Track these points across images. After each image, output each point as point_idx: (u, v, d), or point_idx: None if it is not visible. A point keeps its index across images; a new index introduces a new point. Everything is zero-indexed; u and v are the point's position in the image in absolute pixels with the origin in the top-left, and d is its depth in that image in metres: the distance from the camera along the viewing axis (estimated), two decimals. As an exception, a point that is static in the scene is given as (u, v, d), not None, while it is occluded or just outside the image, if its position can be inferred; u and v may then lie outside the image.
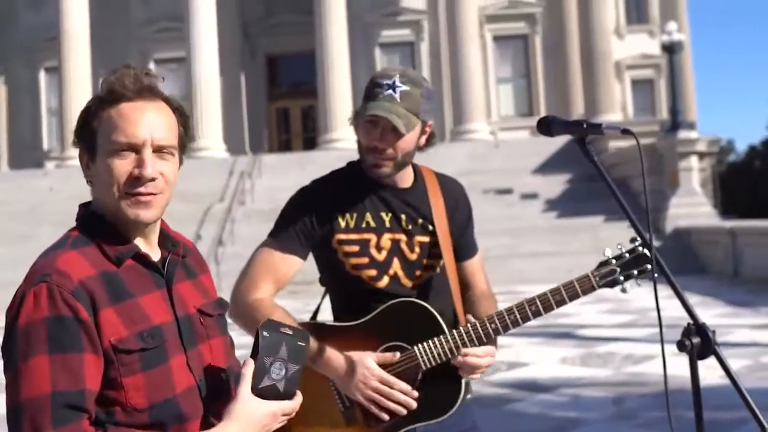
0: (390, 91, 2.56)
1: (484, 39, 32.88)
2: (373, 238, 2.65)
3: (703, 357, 1.95)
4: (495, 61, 33.51)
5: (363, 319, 2.58)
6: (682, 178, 23.39)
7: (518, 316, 2.53)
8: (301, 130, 35.43)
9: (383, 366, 2.51)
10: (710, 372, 1.96)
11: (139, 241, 1.83)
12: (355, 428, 2.56)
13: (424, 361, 2.52)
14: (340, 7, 29.03)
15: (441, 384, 2.54)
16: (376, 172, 2.61)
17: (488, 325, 2.52)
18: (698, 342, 1.95)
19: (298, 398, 1.86)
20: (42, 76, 34.44)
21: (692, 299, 10.67)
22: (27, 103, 34.65)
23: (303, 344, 1.87)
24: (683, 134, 23.86)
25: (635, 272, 2.58)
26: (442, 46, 32.29)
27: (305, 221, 2.67)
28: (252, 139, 33.15)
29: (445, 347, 2.51)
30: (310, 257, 2.75)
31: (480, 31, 31.74)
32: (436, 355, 2.51)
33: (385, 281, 2.63)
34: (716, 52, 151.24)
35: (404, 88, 2.56)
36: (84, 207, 1.88)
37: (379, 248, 2.64)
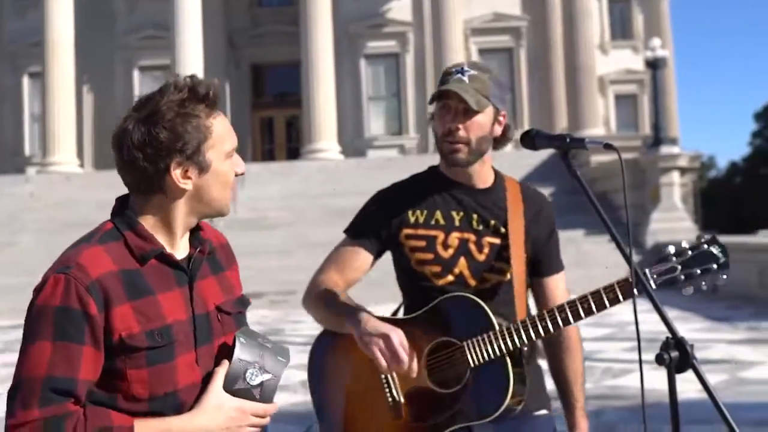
0: (459, 75, 2.59)
1: (469, 52, 32.95)
2: (440, 235, 2.65)
3: (681, 371, 1.97)
4: (479, 74, 33.58)
5: (418, 313, 2.57)
6: (664, 193, 23.52)
7: (569, 314, 2.47)
8: (285, 140, 35.37)
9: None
10: (688, 386, 1.97)
11: (168, 240, 1.93)
12: (403, 423, 2.55)
13: (472, 357, 2.47)
14: (325, 18, 29.05)
15: (489, 383, 2.49)
16: (452, 158, 2.62)
17: (539, 322, 2.47)
18: (677, 356, 1.97)
19: (273, 405, 1.92)
20: (26, 81, 34.25)
21: (671, 314, 10.68)
22: (9, 108, 34.46)
23: (282, 359, 1.92)
24: (665, 149, 24.00)
25: (698, 271, 2.40)
26: (427, 58, 32.34)
27: (377, 216, 2.74)
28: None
29: (494, 344, 2.47)
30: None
31: (465, 44, 31.80)
32: (484, 352, 2.47)
33: (449, 279, 2.62)
34: (699, 69, 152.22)
35: (472, 72, 2.59)
36: (120, 201, 1.96)
37: (446, 246, 2.64)
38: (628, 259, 2.13)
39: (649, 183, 23.87)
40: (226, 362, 1.89)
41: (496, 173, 2.73)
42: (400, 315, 2.71)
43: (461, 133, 2.57)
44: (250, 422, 1.89)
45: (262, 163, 29.71)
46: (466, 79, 2.57)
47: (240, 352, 1.88)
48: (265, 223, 22.65)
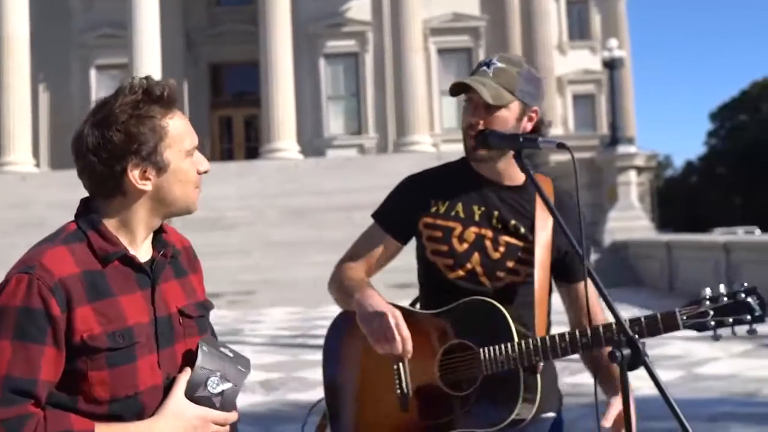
0: (484, 68, 2.55)
1: (428, 51, 33.02)
2: (458, 227, 2.60)
3: (633, 368, 1.99)
4: (439, 74, 33.67)
5: (439, 310, 2.53)
6: (621, 192, 23.77)
7: (590, 339, 2.37)
8: (243, 139, 35.21)
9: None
10: (646, 382, 1.99)
11: (131, 242, 1.93)
12: (409, 416, 2.53)
13: (486, 365, 2.42)
14: (284, 18, 28.94)
15: (497, 393, 2.45)
16: (472, 154, 2.58)
17: (558, 342, 2.39)
18: (628, 353, 1.99)
19: (234, 414, 1.93)
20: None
21: (629, 312, 10.82)
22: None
23: (243, 370, 1.93)
24: (622, 149, 24.26)
25: (730, 320, 2.27)
26: (386, 57, 32.36)
27: (402, 202, 2.71)
28: (194, 147, 32.88)
29: (510, 356, 2.41)
30: None
31: (424, 44, 31.86)
32: (499, 362, 2.41)
33: (459, 273, 2.58)
34: (656, 69, 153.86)
35: (499, 65, 2.54)
36: (84, 203, 1.96)
37: (461, 239, 2.60)
38: (581, 257, 2.15)
39: (606, 182, 24.13)
40: (188, 369, 1.90)
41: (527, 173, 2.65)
42: (417, 308, 2.69)
43: (480, 128, 2.53)
44: (211, 430, 1.90)
45: (220, 163, 29.54)
46: (490, 72, 2.52)
47: (202, 361, 1.89)
48: (223, 223, 22.54)
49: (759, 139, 58.67)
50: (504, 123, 2.50)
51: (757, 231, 33.53)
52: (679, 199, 61.68)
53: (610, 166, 24.21)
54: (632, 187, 24.07)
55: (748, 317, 2.25)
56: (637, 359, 1.98)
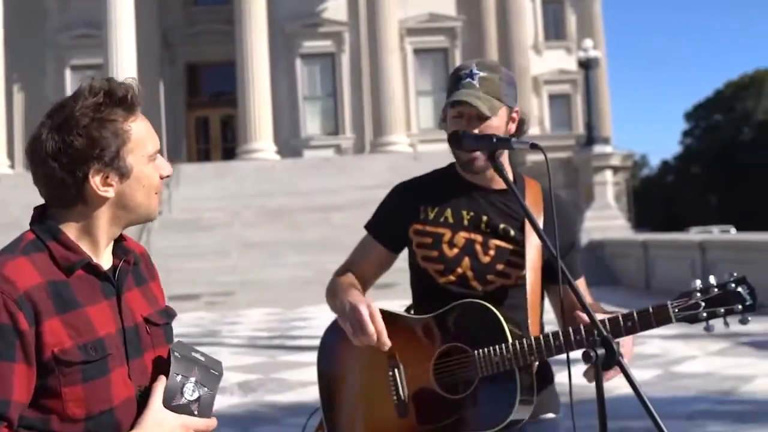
0: (468, 79, 2.54)
1: (404, 52, 33.05)
2: (447, 233, 2.62)
3: (607, 368, 2.01)
4: (415, 74, 33.71)
5: (432, 314, 2.54)
6: (597, 191, 23.90)
7: (584, 336, 2.35)
8: (220, 139, 35.11)
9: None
10: (624, 381, 2.01)
11: (93, 251, 1.85)
12: (405, 423, 2.52)
13: (481, 367, 2.42)
14: (261, 18, 28.89)
15: (494, 395, 2.44)
16: (470, 167, 2.57)
17: (552, 341, 2.39)
18: (603, 353, 2.00)
19: (213, 420, 1.87)
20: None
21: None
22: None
23: (216, 373, 1.89)
24: (598, 149, 24.39)
25: (722, 310, 2.27)
26: (363, 58, 32.35)
27: (392, 211, 2.73)
28: (170, 148, 32.73)
29: (504, 356, 2.40)
30: None
31: (401, 44, 31.90)
32: (494, 364, 2.41)
33: (450, 278, 2.59)
34: (632, 69, 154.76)
35: (482, 74, 2.54)
36: (39, 210, 1.88)
37: (451, 245, 2.61)
38: (555, 257, 2.16)
39: (583, 182, 24.24)
40: (163, 378, 1.83)
41: (516, 175, 2.68)
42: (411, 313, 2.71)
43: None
44: None
45: (197, 164, 29.48)
46: (476, 82, 2.53)
47: (176, 367, 1.83)
48: (200, 224, 22.47)
49: (734, 139, 59.15)
50: (496, 131, 2.52)
51: (733, 230, 33.77)
52: (656, 199, 62.07)
53: (587, 166, 24.33)
54: (608, 187, 24.21)
55: (739, 307, 2.25)
56: (612, 359, 1.99)
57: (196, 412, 1.83)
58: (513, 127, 2.60)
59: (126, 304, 1.87)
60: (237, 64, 28.79)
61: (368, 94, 31.57)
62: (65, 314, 1.74)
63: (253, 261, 20.81)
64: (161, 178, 1.91)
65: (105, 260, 1.88)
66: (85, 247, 1.83)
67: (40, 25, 32.86)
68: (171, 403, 1.81)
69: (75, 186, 1.79)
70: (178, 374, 1.83)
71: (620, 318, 2.35)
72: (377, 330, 2.43)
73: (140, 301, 1.92)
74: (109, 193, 1.82)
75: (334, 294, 2.68)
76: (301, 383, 8.95)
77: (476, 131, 2.51)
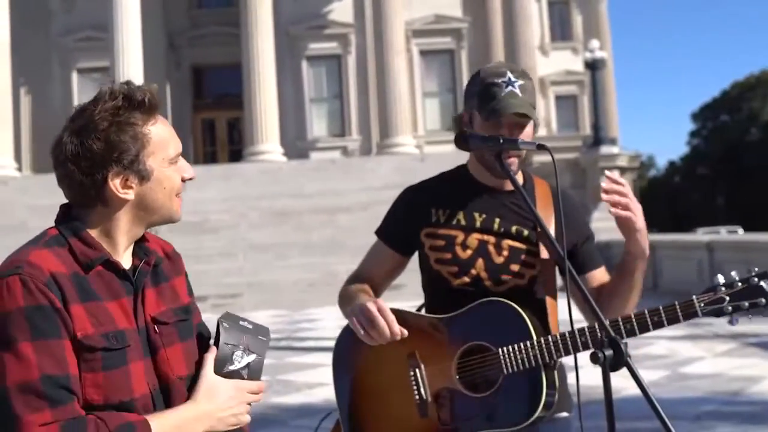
0: (510, 88, 2.53)
1: (410, 53, 33.04)
2: (460, 235, 2.62)
3: (615, 368, 2.00)
4: (421, 76, 33.72)
5: (453, 313, 2.53)
6: (604, 192, 23.80)
7: (612, 332, 2.28)
8: (226, 142, 35.13)
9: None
10: (632, 382, 2.00)
11: (111, 251, 1.88)
12: (427, 423, 2.52)
13: (506, 365, 2.43)
14: (267, 20, 28.92)
15: (520, 392, 2.44)
16: (510, 173, 2.52)
17: (578, 337, 2.40)
18: (611, 354, 1.99)
19: (263, 383, 1.98)
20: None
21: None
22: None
23: (263, 338, 1.99)
24: (605, 149, 24.38)
25: (746, 304, 2.32)
26: (369, 59, 32.35)
27: (402, 215, 2.74)
28: (177, 150, 32.79)
29: (530, 354, 2.41)
30: None
31: (407, 46, 31.89)
32: (519, 362, 2.41)
33: (465, 280, 2.59)
34: (639, 70, 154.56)
35: (520, 81, 2.55)
36: (64, 209, 1.91)
37: (464, 246, 2.61)
38: (562, 257, 2.15)
39: (590, 182, 24.19)
40: (213, 348, 1.93)
41: (526, 175, 2.71)
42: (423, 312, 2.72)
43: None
44: (248, 399, 1.94)
45: (203, 166, 29.46)
46: (518, 91, 2.52)
47: (225, 337, 1.93)
48: (207, 226, 22.48)
49: (740, 139, 59.04)
50: (530, 136, 2.56)
51: (740, 230, 33.73)
52: (663, 199, 61.99)
53: (594, 167, 24.32)
54: (615, 188, 24.16)
55: (763, 301, 2.30)
56: (620, 359, 1.98)
57: (246, 377, 1.94)
58: (536, 131, 2.63)
59: (141, 304, 1.90)
60: (243, 67, 28.81)
61: (374, 96, 31.56)
62: (87, 303, 1.78)
63: (260, 263, 20.82)
64: (183, 180, 1.94)
65: (124, 261, 1.91)
66: (104, 246, 1.87)
67: (46, 29, 32.92)
68: (223, 370, 1.92)
69: (94, 188, 1.83)
70: (227, 343, 1.93)
71: (647, 313, 2.37)
72: (387, 322, 2.44)
73: (152, 301, 1.95)
74: (129, 195, 1.85)
75: (346, 302, 2.68)
76: (308, 385, 8.95)
77: (518, 138, 2.51)
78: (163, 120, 1.90)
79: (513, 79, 2.54)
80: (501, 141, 2.40)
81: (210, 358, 1.92)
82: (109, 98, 1.83)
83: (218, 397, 1.88)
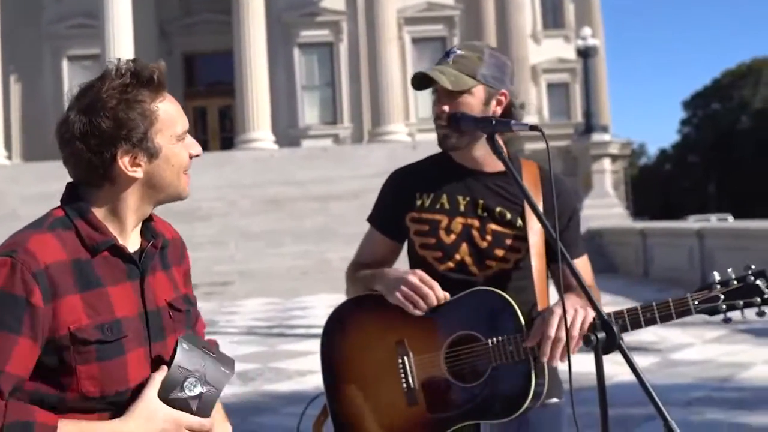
0: (445, 57, 2.56)
1: (402, 41, 32.97)
2: (444, 219, 2.59)
3: (608, 351, 1.99)
4: (413, 63, 33.62)
5: (444, 302, 2.49)
6: (595, 179, 23.88)
7: (604, 315, 2.26)
8: (218, 129, 35.05)
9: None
10: (623, 368, 2.00)
11: (120, 231, 1.86)
12: (414, 411, 2.50)
13: (495, 355, 2.40)
14: (258, 7, 28.83)
15: (509, 383, 2.42)
16: (441, 143, 2.56)
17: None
18: (603, 337, 1.99)
19: (210, 420, 1.83)
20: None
21: (604, 299, 10.84)
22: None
23: (226, 371, 1.82)
24: (596, 137, 24.37)
25: (741, 303, 2.30)
26: (361, 47, 32.28)
27: (389, 201, 2.72)
28: (168, 138, 32.71)
29: (519, 346, 2.39)
30: None
31: (399, 33, 31.83)
32: (508, 352, 2.39)
33: (449, 265, 2.57)
34: (630, 58, 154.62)
35: (460, 52, 2.54)
36: (70, 188, 1.88)
37: (448, 231, 2.58)
38: (555, 241, 2.15)
39: (581, 170, 24.22)
40: (164, 368, 1.79)
41: (512, 156, 2.64)
42: None
43: (445, 115, 2.52)
44: None
45: (195, 154, 29.36)
46: (450, 60, 2.53)
47: (181, 359, 1.77)
48: (198, 214, 22.43)
49: (731, 128, 59.13)
50: (469, 108, 2.50)
51: (730, 218, 33.82)
52: (654, 187, 62.12)
53: (585, 154, 24.32)
54: (607, 175, 24.20)
55: (758, 299, 2.28)
56: (612, 343, 1.98)
57: (194, 409, 1.77)
58: (498, 110, 2.55)
59: (149, 287, 1.88)
60: (234, 54, 28.73)
61: (366, 84, 31.52)
62: (85, 292, 1.76)
63: (252, 251, 20.80)
64: (190, 157, 1.92)
65: (133, 240, 1.90)
66: (112, 227, 1.85)
67: (36, 17, 32.75)
68: (168, 395, 1.76)
69: (103, 167, 1.81)
70: (181, 366, 1.77)
71: (639, 309, 2.35)
72: (432, 287, 2.44)
73: (165, 285, 1.93)
74: (138, 173, 1.84)
75: (364, 285, 2.64)
76: (299, 372, 8.96)
77: (446, 108, 2.50)
78: (171, 97, 1.89)
79: (455, 50, 2.56)
80: (493, 122, 2.38)
81: (158, 378, 1.78)
82: (116, 76, 1.81)
83: (151, 424, 1.75)
